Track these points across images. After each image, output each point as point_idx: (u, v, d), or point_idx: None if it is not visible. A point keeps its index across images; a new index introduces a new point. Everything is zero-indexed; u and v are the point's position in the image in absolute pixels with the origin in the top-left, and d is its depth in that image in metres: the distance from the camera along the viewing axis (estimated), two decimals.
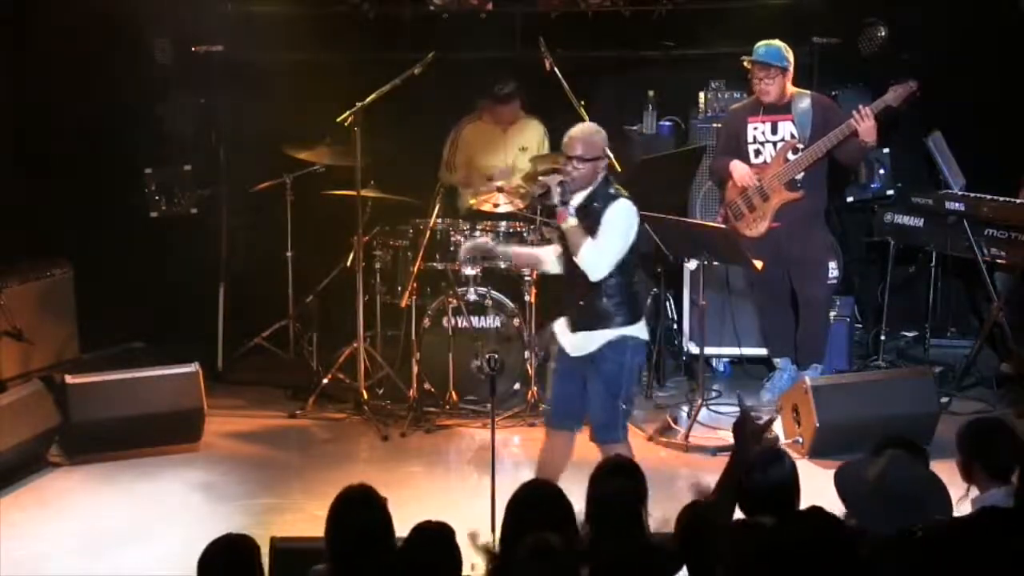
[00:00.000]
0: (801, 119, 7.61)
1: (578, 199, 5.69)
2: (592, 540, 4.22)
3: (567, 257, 5.77)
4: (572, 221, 5.63)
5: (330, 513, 4.21)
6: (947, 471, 5.16)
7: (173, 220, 8.56)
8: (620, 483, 4.32)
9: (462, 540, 4.05)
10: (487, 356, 5.46)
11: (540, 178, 5.66)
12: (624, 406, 5.82)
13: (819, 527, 3.91)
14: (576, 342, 5.78)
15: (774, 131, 7.69)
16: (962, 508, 4.59)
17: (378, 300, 7.95)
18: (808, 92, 7.68)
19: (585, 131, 5.77)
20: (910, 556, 3.94)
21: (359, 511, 4.18)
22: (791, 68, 7.58)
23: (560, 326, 5.86)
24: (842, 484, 4.50)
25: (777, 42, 7.57)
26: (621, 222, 5.69)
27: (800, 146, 7.60)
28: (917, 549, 3.92)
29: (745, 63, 7.61)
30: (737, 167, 7.70)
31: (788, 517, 4.20)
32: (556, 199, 5.65)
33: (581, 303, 5.72)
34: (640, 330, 5.80)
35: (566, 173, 5.69)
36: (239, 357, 8.59)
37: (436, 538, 4.04)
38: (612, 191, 5.73)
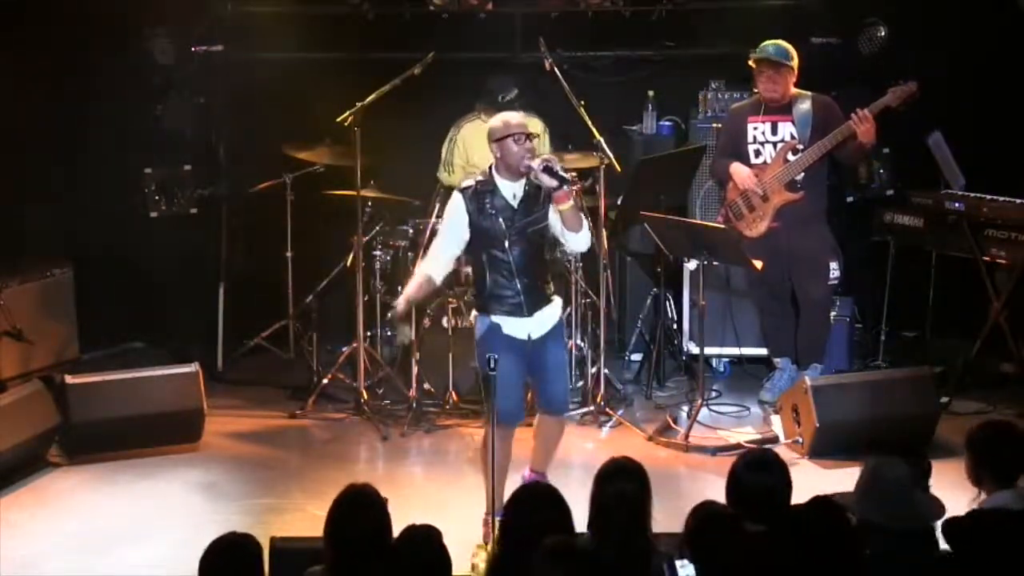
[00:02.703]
0: (801, 120, 7.61)
1: (523, 180, 5.79)
2: (596, 542, 4.22)
3: (519, 246, 5.76)
4: (571, 202, 5.71)
5: (330, 512, 4.21)
6: (947, 471, 5.18)
7: (173, 220, 8.56)
8: (624, 485, 4.33)
9: (459, 540, 4.05)
10: (487, 356, 5.45)
11: (531, 163, 5.66)
12: None
13: (824, 523, 3.95)
14: (541, 321, 5.86)
15: (774, 131, 7.69)
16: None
17: (378, 300, 7.95)
18: (809, 93, 7.67)
19: (520, 115, 5.97)
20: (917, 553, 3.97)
21: (359, 512, 4.18)
22: (796, 68, 7.60)
23: (508, 320, 5.81)
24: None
25: (783, 42, 7.58)
26: None
27: (800, 147, 7.60)
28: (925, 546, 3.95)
29: (751, 62, 7.60)
30: (738, 170, 7.70)
31: (778, 520, 4.23)
32: (557, 181, 5.64)
33: (540, 282, 5.86)
34: None
35: (536, 155, 5.78)
36: (239, 357, 8.59)
37: (424, 540, 4.05)
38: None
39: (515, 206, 5.77)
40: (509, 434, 5.89)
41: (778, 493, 4.44)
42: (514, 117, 5.89)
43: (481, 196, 5.77)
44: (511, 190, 5.78)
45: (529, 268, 5.81)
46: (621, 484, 4.33)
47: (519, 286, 5.79)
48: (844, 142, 7.51)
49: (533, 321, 5.84)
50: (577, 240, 5.84)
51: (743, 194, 7.71)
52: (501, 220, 5.75)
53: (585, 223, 5.83)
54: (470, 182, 5.88)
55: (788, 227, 7.65)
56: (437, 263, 5.96)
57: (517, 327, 5.82)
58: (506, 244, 5.76)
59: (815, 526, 4.00)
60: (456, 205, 5.82)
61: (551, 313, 5.90)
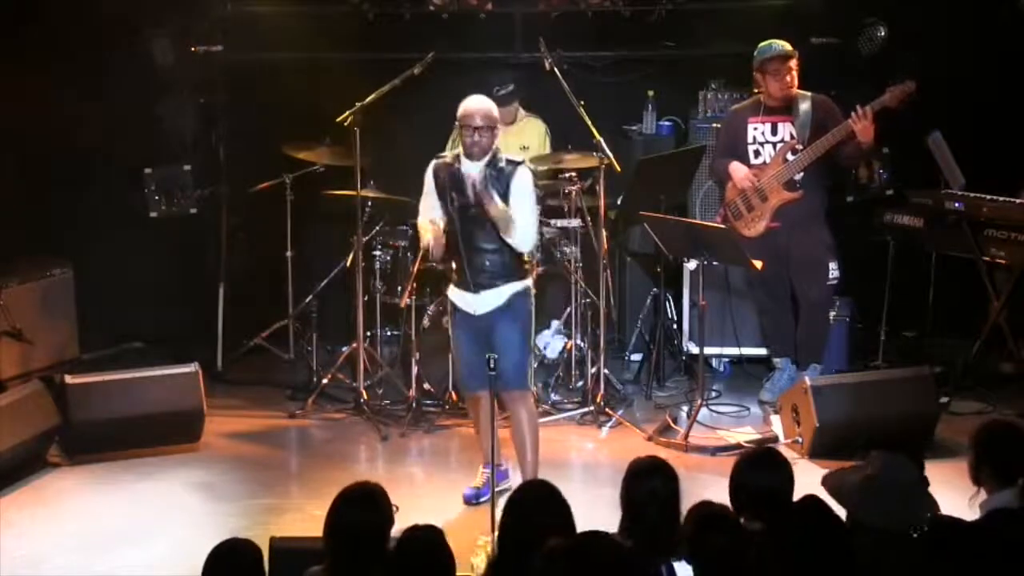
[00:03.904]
0: (801, 120, 7.61)
1: (480, 164, 6.09)
2: (630, 540, 4.23)
3: (466, 224, 6.11)
4: (500, 204, 6.02)
5: (330, 510, 4.20)
6: (947, 471, 5.19)
7: (173, 220, 8.56)
8: (656, 483, 4.36)
9: (460, 540, 4.04)
10: (486, 356, 5.47)
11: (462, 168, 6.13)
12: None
13: (814, 523, 3.95)
14: (485, 299, 6.18)
15: (774, 132, 7.69)
16: (973, 509, 4.58)
17: (378, 300, 7.95)
18: (809, 94, 7.67)
19: (481, 102, 6.16)
20: (916, 555, 3.96)
21: (358, 510, 4.17)
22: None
23: (457, 294, 6.24)
24: (831, 486, 4.51)
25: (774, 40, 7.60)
26: (533, 189, 6.24)
27: (799, 147, 7.61)
28: (923, 548, 3.94)
29: (774, 63, 7.53)
30: (736, 169, 7.71)
31: (780, 516, 4.22)
32: (479, 186, 6.03)
33: (487, 263, 6.15)
34: (531, 281, 6.42)
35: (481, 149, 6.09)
36: (239, 357, 8.60)
37: (426, 541, 4.04)
38: (507, 156, 6.24)
39: (468, 185, 6.07)
40: (476, 400, 6.26)
41: (781, 492, 4.44)
42: (470, 105, 6.15)
43: (446, 169, 6.17)
44: (469, 169, 6.10)
45: (476, 245, 6.14)
46: (653, 482, 4.36)
47: (464, 260, 6.18)
48: (843, 143, 7.51)
49: (477, 298, 6.19)
50: (513, 241, 6.11)
51: (742, 194, 7.72)
52: (454, 195, 6.13)
53: (517, 231, 6.07)
54: (445, 155, 6.30)
55: (787, 228, 7.65)
56: (426, 216, 6.27)
57: (464, 301, 6.23)
58: (455, 217, 6.15)
59: (807, 525, 4.00)
60: (428, 173, 6.27)
61: (497, 294, 6.17)
